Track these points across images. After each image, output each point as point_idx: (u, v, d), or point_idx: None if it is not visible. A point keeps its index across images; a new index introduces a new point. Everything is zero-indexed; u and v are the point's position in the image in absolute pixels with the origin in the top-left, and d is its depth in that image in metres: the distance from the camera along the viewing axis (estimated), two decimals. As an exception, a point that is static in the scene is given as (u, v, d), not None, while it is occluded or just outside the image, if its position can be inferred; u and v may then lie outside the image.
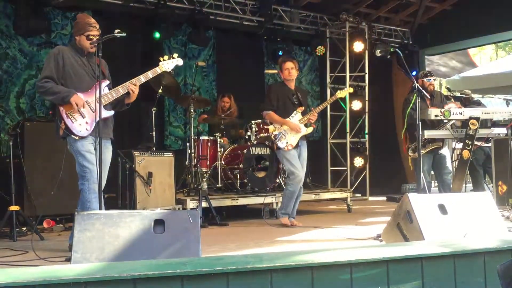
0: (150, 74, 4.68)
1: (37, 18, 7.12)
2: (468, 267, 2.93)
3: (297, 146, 6.20)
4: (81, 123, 4.40)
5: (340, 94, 6.73)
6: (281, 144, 6.16)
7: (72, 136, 4.38)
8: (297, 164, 6.17)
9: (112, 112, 4.62)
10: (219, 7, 8.91)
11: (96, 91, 4.28)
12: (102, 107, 4.41)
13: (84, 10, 7.67)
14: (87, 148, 4.42)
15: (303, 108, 6.31)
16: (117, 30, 4.23)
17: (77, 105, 4.32)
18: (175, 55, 4.92)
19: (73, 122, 4.38)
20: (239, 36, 9.70)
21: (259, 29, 9.45)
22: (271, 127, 6.33)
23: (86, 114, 4.42)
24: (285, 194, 6.35)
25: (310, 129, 6.29)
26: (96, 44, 4.26)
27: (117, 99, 4.56)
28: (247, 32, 9.69)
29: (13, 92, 7.27)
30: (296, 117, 6.25)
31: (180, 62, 4.93)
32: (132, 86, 4.54)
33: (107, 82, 4.62)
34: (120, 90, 4.50)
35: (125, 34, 4.24)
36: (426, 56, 11.66)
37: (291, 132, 6.19)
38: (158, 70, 4.74)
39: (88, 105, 4.44)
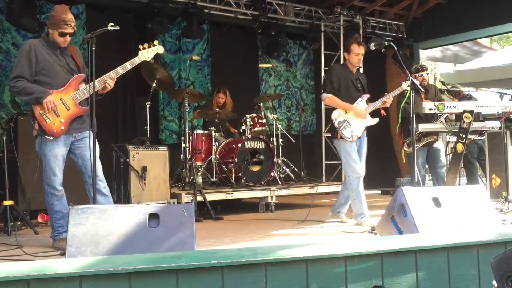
0: (128, 65, 4.49)
1: (29, 15, 7.02)
2: (462, 259, 2.95)
3: (359, 137, 5.65)
4: (55, 123, 4.28)
5: (405, 85, 5.72)
6: (346, 133, 5.53)
7: (46, 136, 4.27)
8: (357, 158, 5.64)
9: (87, 109, 4.41)
10: (213, 1, 8.88)
11: (71, 87, 4.24)
12: (78, 103, 4.37)
13: (78, 3, 7.64)
14: (54, 153, 4.34)
15: (368, 95, 5.76)
16: (110, 24, 4.17)
17: (48, 107, 4.20)
18: (156, 42, 4.70)
19: (47, 122, 4.26)
20: (234, 30, 9.68)
21: (253, 23, 9.42)
22: (334, 113, 5.62)
23: (60, 113, 4.29)
24: (351, 196, 5.71)
25: (376, 120, 5.73)
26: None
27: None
28: (242, 26, 9.66)
29: (7, 86, 7.22)
30: (361, 105, 5.66)
31: (160, 49, 4.72)
32: (109, 81, 4.39)
33: (83, 76, 4.46)
34: (97, 84, 4.29)
35: (118, 28, 4.19)
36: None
37: (356, 120, 5.60)
38: (137, 60, 4.55)
39: (63, 103, 4.31)
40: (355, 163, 5.62)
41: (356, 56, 5.71)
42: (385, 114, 6.08)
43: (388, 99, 5.68)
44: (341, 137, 5.57)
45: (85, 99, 4.41)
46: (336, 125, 5.58)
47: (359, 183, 5.69)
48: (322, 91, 5.75)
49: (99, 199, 4.31)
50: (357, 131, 5.59)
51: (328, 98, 5.66)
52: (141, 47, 4.64)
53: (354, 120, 5.59)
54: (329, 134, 9.89)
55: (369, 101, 5.76)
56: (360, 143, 5.72)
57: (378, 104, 5.71)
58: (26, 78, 4.28)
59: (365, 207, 5.71)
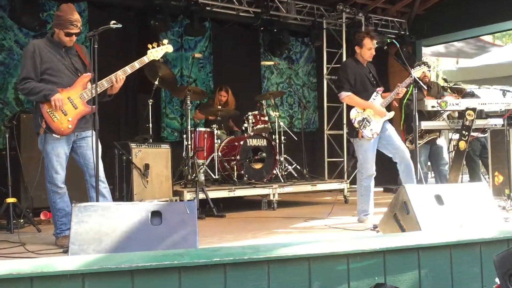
0: (137, 65, 4.50)
1: (30, 13, 7.00)
2: (464, 257, 2.95)
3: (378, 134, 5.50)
4: (62, 122, 4.28)
5: (416, 72, 5.56)
6: (367, 132, 5.39)
7: (53, 135, 4.27)
8: (373, 157, 5.51)
9: (94, 108, 4.32)
10: (216, -2, 8.88)
11: (78, 86, 4.25)
12: (85, 102, 4.36)
13: (80, 1, 7.63)
14: (57, 151, 4.34)
15: (382, 88, 5.60)
16: (112, 22, 4.16)
17: (56, 105, 4.19)
18: (165, 41, 4.70)
19: (54, 121, 4.26)
20: (236, 28, 9.68)
21: (255, 20, 9.40)
22: (353, 112, 5.45)
23: (68, 112, 4.29)
24: (359, 192, 5.58)
25: (392, 114, 5.60)
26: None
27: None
28: (244, 24, 9.66)
29: (11, 84, 7.22)
30: (377, 100, 5.52)
31: (170, 48, 4.71)
32: (115, 79, 4.38)
33: (90, 75, 4.41)
34: (105, 83, 4.33)
35: (120, 26, 4.18)
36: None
37: (374, 117, 5.45)
38: (145, 59, 4.55)
39: (71, 102, 4.31)
40: (372, 161, 5.51)
41: (368, 51, 5.55)
42: (396, 105, 5.98)
43: (401, 89, 5.53)
44: (362, 137, 5.43)
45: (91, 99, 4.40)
46: (356, 124, 5.42)
47: (372, 180, 5.58)
48: (339, 89, 5.56)
49: (98, 199, 4.31)
50: (376, 129, 5.46)
51: (347, 97, 5.48)
52: (150, 46, 4.63)
53: (372, 117, 5.46)
54: (331, 132, 9.96)
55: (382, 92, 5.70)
56: (384, 134, 5.53)
57: (392, 96, 5.57)
58: (33, 79, 4.28)
59: (371, 205, 5.60)
